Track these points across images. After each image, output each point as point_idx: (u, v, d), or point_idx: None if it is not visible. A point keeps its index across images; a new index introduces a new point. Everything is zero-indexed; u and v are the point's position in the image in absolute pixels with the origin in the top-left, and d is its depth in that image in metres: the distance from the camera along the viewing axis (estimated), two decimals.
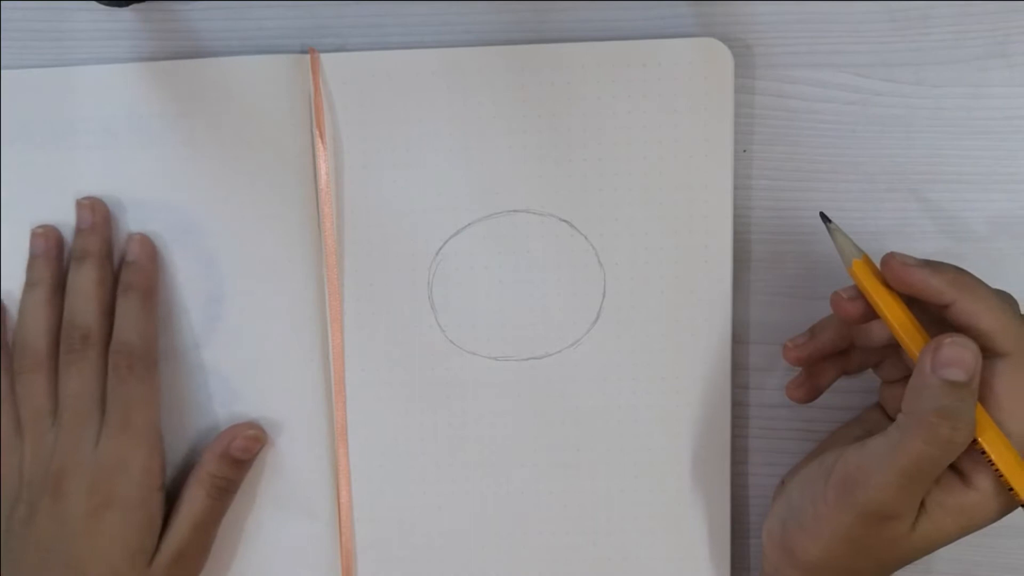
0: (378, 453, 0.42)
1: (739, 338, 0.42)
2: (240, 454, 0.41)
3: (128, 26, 0.41)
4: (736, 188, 0.41)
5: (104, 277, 0.41)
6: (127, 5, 0.40)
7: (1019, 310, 0.34)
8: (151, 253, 0.41)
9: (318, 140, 0.41)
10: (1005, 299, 0.34)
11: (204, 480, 0.41)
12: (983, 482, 0.32)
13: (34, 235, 0.41)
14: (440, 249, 0.41)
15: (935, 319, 0.34)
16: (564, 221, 0.41)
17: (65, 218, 0.42)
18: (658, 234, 0.41)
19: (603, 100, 0.40)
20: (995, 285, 0.40)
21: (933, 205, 0.41)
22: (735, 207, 0.41)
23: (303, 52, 0.41)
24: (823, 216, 0.37)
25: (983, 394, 0.32)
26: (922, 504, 0.33)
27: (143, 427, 0.40)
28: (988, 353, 0.32)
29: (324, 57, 0.40)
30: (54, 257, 0.41)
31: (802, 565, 0.35)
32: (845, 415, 0.42)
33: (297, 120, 0.41)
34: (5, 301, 0.42)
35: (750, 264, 0.42)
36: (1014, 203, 0.40)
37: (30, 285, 0.41)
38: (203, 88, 0.41)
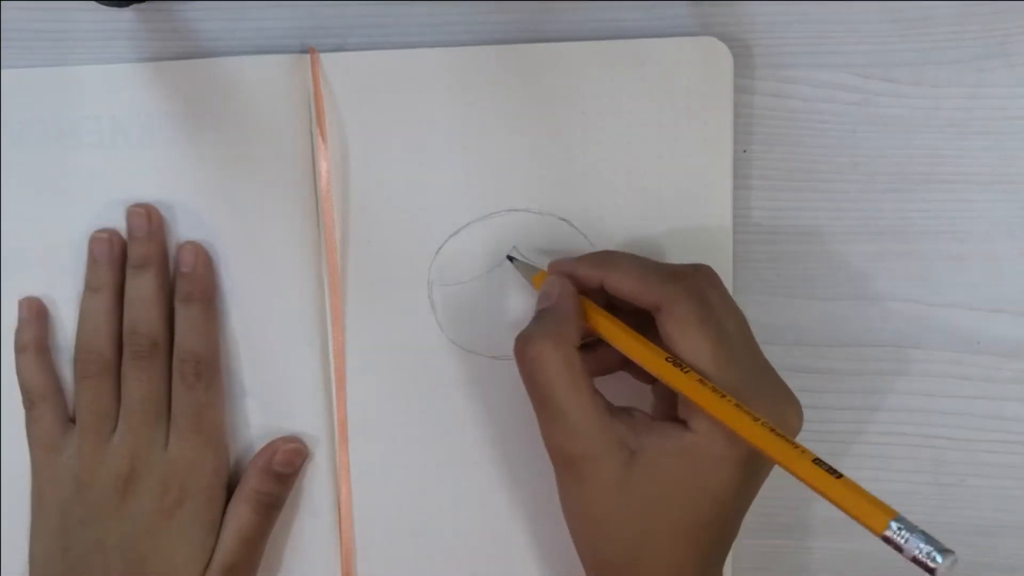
0: (378, 453, 0.42)
1: None
2: (283, 468, 0.41)
3: (128, 26, 0.41)
4: (736, 188, 0.41)
5: (164, 283, 0.41)
6: (127, 5, 0.40)
7: (665, 269, 0.36)
8: (206, 260, 0.41)
9: (318, 140, 0.41)
10: (646, 264, 0.37)
11: (249, 496, 0.40)
12: (701, 424, 0.34)
13: (97, 240, 0.41)
14: (440, 248, 0.41)
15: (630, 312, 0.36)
16: (564, 221, 0.41)
17: (64, 218, 0.41)
18: (658, 234, 0.41)
19: (603, 100, 0.40)
20: (995, 285, 0.40)
21: (933, 205, 0.41)
22: (735, 207, 0.41)
23: (303, 52, 0.41)
24: (508, 257, 0.41)
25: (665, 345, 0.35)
26: (637, 451, 0.34)
27: (212, 429, 0.40)
28: (650, 311, 0.35)
29: (324, 57, 0.40)
30: (117, 262, 0.41)
31: (590, 565, 0.36)
32: (842, 415, 0.42)
33: (297, 120, 0.41)
34: (4, 301, 0.42)
35: (750, 264, 0.42)
36: (1014, 203, 0.40)
37: (92, 290, 0.41)
38: (203, 88, 0.41)
